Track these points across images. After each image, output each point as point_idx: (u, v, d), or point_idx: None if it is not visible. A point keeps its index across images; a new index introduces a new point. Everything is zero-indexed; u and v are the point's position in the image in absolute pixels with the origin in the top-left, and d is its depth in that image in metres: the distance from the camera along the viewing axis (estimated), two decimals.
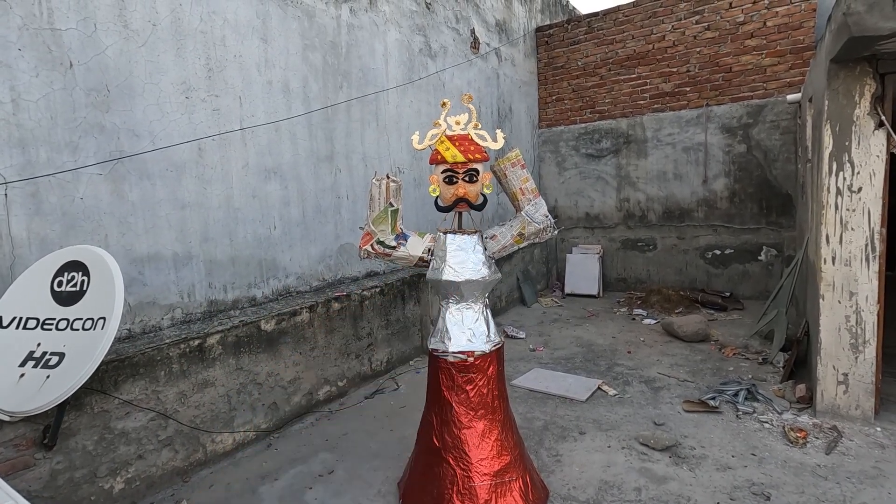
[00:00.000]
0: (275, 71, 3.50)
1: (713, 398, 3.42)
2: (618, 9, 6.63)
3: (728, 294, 6.11)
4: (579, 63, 7.05)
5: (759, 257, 6.05)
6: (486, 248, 2.47)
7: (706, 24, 6.08)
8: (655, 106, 6.53)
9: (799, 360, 3.77)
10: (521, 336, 5.19)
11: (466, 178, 2.36)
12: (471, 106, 2.44)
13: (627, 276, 6.96)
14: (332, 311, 3.77)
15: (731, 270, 6.23)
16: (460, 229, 2.50)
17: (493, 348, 2.42)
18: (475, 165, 2.37)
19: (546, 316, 6.02)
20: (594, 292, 6.82)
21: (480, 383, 2.39)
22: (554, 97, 7.32)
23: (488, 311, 2.52)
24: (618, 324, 5.54)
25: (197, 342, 2.87)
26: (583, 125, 7.10)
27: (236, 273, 3.30)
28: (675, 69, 6.34)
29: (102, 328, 1.97)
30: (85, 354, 1.95)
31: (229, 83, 3.21)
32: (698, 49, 6.15)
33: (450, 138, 2.40)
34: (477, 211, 2.44)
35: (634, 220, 6.86)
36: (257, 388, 3.20)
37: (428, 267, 2.49)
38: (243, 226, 3.34)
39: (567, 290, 7.00)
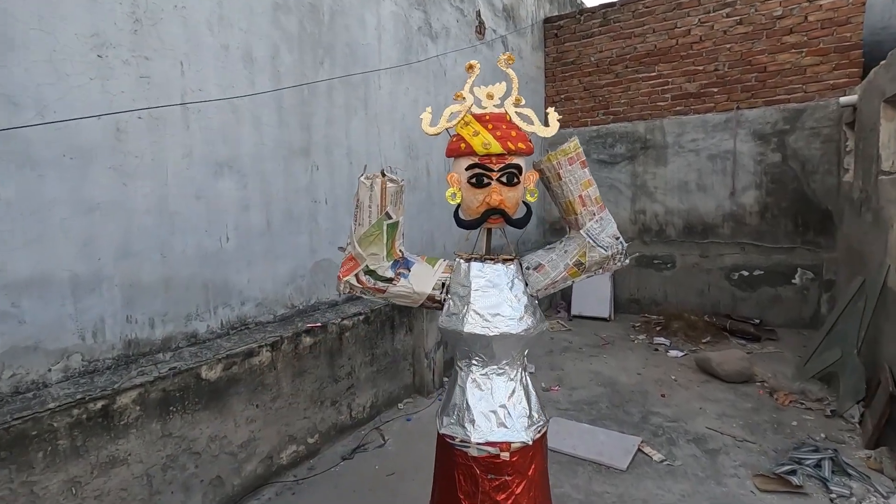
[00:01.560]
0: (233, 32, 2.66)
1: (792, 471, 2.66)
2: None
3: (758, 321, 5.42)
4: (592, 59, 6.35)
5: (793, 280, 5.37)
6: (527, 284, 1.67)
7: (738, 17, 5.42)
8: (678, 108, 5.85)
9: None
10: (531, 370, 4.38)
11: (504, 179, 1.55)
12: (510, 71, 1.65)
13: (641, 297, 6.23)
14: (302, 347, 2.92)
15: (761, 294, 5.54)
16: (490, 255, 1.69)
17: (538, 435, 1.62)
18: (517, 160, 1.57)
19: (554, 343, 5.24)
20: (605, 314, 6.07)
21: (519, 490, 1.58)
22: (563, 96, 6.60)
23: (527, 376, 1.71)
24: (639, 355, 4.78)
25: (101, 404, 2.01)
26: (595, 128, 6.38)
27: (170, 300, 2.43)
28: (701, 67, 5.66)
29: None
30: None
31: (167, 42, 2.36)
32: (728, 45, 5.49)
33: (479, 118, 1.60)
34: (517, 227, 1.64)
35: (651, 235, 6.15)
36: (193, 460, 2.33)
37: (441, 309, 1.68)
38: (182, 236, 2.48)
39: (574, 311, 6.24)
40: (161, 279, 2.39)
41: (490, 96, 1.63)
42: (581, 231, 1.68)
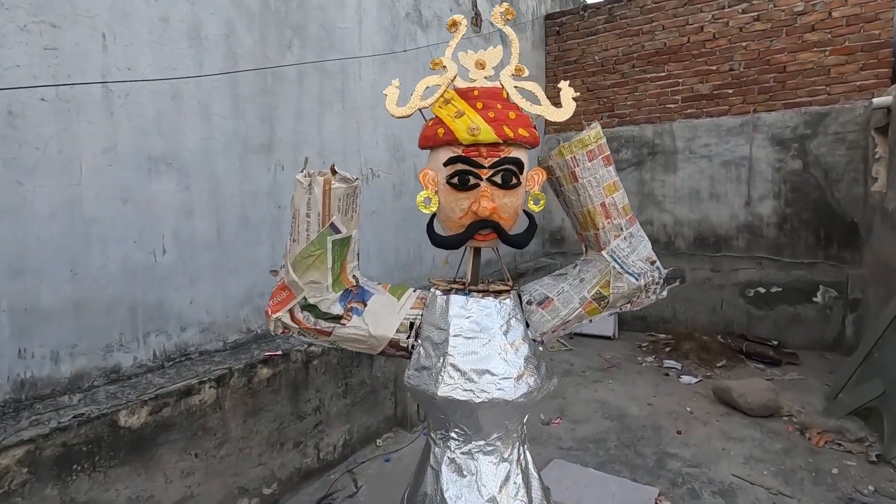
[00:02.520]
0: (175, 2, 2.20)
1: None
2: None
3: (776, 343, 4.96)
4: (596, 58, 5.93)
5: (815, 298, 4.92)
6: (529, 325, 1.21)
7: (755, 13, 5.01)
8: (689, 111, 5.42)
9: None
10: None
11: (498, 180, 1.10)
12: (508, 30, 1.20)
13: (648, 314, 5.77)
14: (258, 381, 2.45)
15: (778, 313, 5.09)
16: (479, 285, 1.23)
17: None
18: (516, 153, 1.12)
19: (554, 365, 4.77)
20: (609, 333, 5.60)
21: None
22: None
23: (527, 452, 1.24)
24: (649, 381, 4.31)
25: None
26: None
27: (82, 328, 1.96)
28: (714, 67, 5.25)
29: None
30: None
31: (82, 8, 1.90)
32: (745, 44, 5.07)
33: (464, 94, 1.15)
34: (515, 247, 1.18)
35: (659, 247, 5.68)
36: None
37: (408, 357, 1.22)
38: (102, 248, 2.00)
39: (575, 329, 5.75)
40: (70, 302, 1.91)
41: (481, 65, 1.18)
42: (604, 252, 1.22)
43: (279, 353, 2.59)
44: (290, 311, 1.18)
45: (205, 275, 2.40)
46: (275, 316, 1.19)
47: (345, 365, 2.99)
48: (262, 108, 2.62)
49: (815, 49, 4.78)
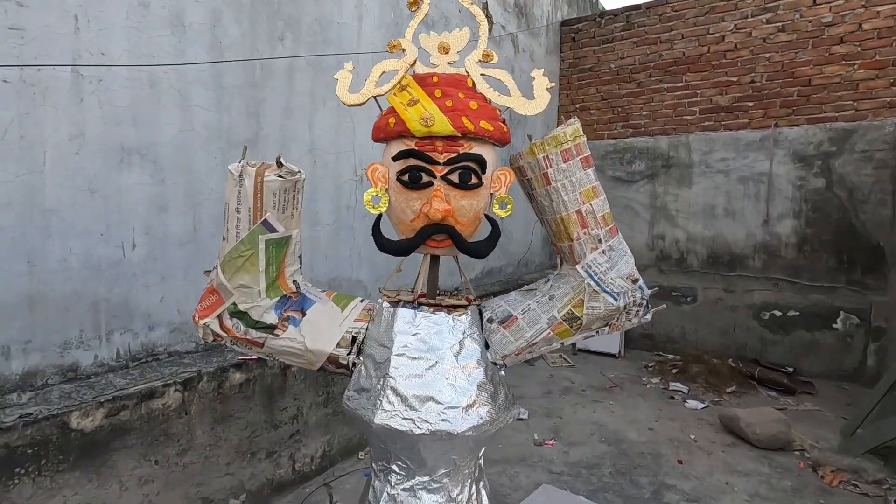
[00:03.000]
0: None
1: None
2: (666, 1, 5.36)
3: (791, 370, 4.69)
4: (612, 66, 5.75)
5: (835, 325, 4.65)
6: (488, 346, 1.05)
7: (780, 24, 4.79)
8: (706, 123, 5.21)
9: None
10: (523, 416, 3.73)
11: (455, 179, 0.95)
12: (475, 9, 1.06)
13: (656, 333, 5.53)
14: (229, 385, 2.33)
15: (795, 338, 4.82)
16: (433, 297, 1.08)
17: None
18: (478, 149, 0.97)
19: (554, 382, 4.57)
20: (614, 351, 5.38)
21: None
22: (578, 105, 6.00)
23: (483, 490, 1.08)
24: (651, 404, 4.09)
25: None
26: (612, 141, 5.76)
27: (38, 323, 1.86)
28: (734, 79, 5.03)
29: None
30: None
31: None
32: (768, 55, 4.86)
33: (421, 80, 1.01)
34: (473, 256, 1.03)
35: (670, 264, 5.47)
36: None
37: (349, 376, 1.07)
38: (62, 241, 1.90)
39: (579, 345, 5.55)
40: (24, 295, 1.81)
41: (444, 49, 1.04)
42: (578, 267, 1.06)
43: (255, 357, 2.46)
44: (219, 318, 1.05)
45: (178, 273, 2.30)
46: (202, 322, 1.06)
47: (326, 374, 2.85)
48: (248, 101, 2.52)
49: (843, 62, 4.55)
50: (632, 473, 3.00)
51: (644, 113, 5.57)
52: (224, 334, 1.06)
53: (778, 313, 4.90)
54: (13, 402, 1.78)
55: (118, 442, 1.94)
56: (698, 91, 5.24)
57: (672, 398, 4.23)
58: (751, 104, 4.97)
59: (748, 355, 4.96)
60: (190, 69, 2.24)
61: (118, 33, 2.00)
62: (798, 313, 4.81)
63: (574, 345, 5.58)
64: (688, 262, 5.37)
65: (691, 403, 4.09)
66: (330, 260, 3.12)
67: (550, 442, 3.38)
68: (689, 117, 5.31)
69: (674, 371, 4.78)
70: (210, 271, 1.11)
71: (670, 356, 5.21)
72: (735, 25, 5.01)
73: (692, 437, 3.50)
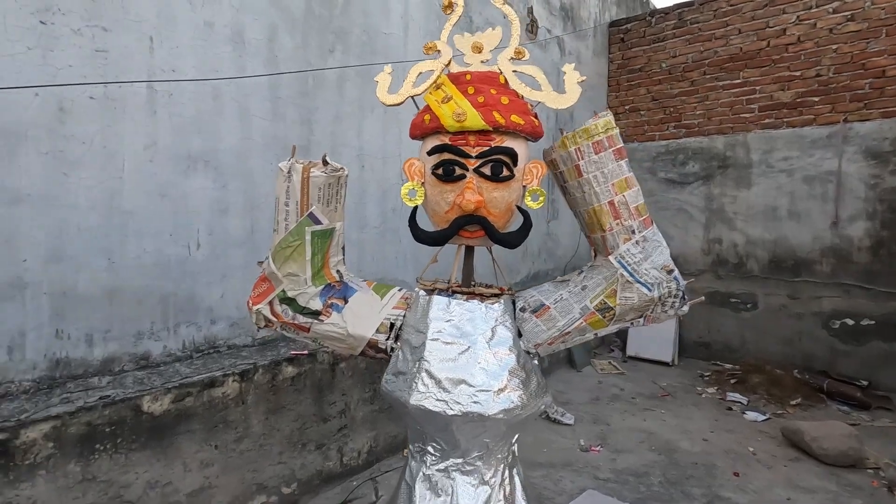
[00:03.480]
0: (220, 8, 2.30)
1: None
2: None
3: (866, 383, 4.34)
4: (663, 65, 5.60)
5: None
6: (521, 335, 1.08)
7: (848, 13, 4.50)
8: (767, 121, 4.96)
9: None
10: (569, 422, 3.67)
11: (487, 171, 1.00)
12: (507, 9, 1.10)
13: (713, 342, 5.28)
14: (282, 379, 2.46)
15: (870, 349, 4.46)
16: (467, 286, 1.13)
17: None
18: (510, 143, 1.01)
19: (602, 389, 4.47)
20: (667, 358, 5.18)
21: None
22: (627, 107, 5.87)
23: (516, 476, 1.11)
24: (707, 414, 3.91)
25: None
26: (663, 143, 5.59)
27: (116, 314, 2.05)
28: (798, 73, 4.77)
29: None
30: None
31: (132, 13, 2.03)
32: (835, 46, 4.57)
33: (455, 79, 1.06)
34: (505, 246, 1.06)
35: (727, 269, 5.22)
36: None
37: (387, 360, 1.13)
38: (138, 240, 2.10)
39: (630, 352, 5.40)
40: (105, 288, 2.01)
41: (477, 48, 1.09)
42: (611, 257, 1.07)
43: (306, 352, 2.60)
44: (270, 304, 1.14)
45: (237, 272, 2.46)
46: (255, 308, 1.16)
47: (373, 370, 2.95)
48: (301, 110, 2.68)
49: None
50: (683, 484, 2.89)
51: (698, 112, 5.37)
52: (274, 319, 1.15)
53: (850, 322, 4.55)
54: (95, 385, 1.98)
55: (183, 426, 2.10)
56: (757, 87, 5.00)
57: (730, 409, 4.03)
58: (816, 99, 4.68)
59: (815, 366, 4.64)
60: (248, 81, 2.41)
61: (186, 51, 2.20)
62: (873, 322, 4.45)
63: (624, 352, 5.43)
64: (747, 266, 5.10)
65: (751, 415, 3.88)
66: (377, 261, 3.23)
67: (597, 448, 3.31)
68: (747, 115, 5.07)
69: (732, 381, 4.55)
70: (263, 262, 1.21)
71: (728, 365, 4.96)
72: (798, 17, 4.75)
73: (751, 449, 3.31)
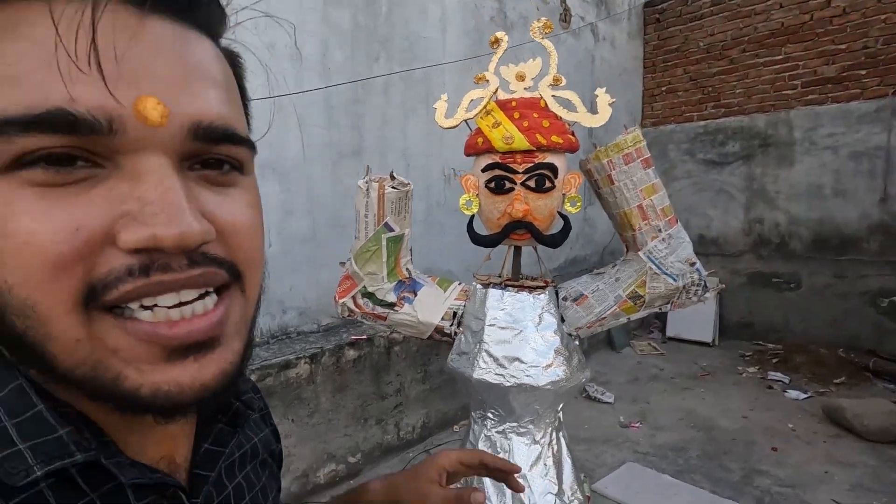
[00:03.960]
0: (280, 31, 2.55)
1: None
2: None
3: None
4: (701, 44, 5.52)
5: None
6: (564, 320, 1.28)
7: None
8: (810, 97, 4.86)
9: None
10: (608, 400, 3.85)
11: (532, 184, 1.19)
12: (547, 42, 1.27)
13: (755, 322, 5.29)
14: (345, 361, 2.75)
15: None
16: (517, 280, 1.33)
17: None
18: (551, 159, 1.20)
19: (641, 369, 4.60)
20: (707, 339, 5.23)
21: None
22: (664, 88, 5.84)
23: (562, 438, 1.32)
24: (746, 393, 3.99)
25: None
26: (702, 123, 5.55)
27: None
28: (843, 46, 4.64)
29: None
30: None
31: None
32: (883, 16, 4.42)
33: (503, 105, 1.25)
34: (548, 246, 1.26)
35: (769, 249, 5.19)
36: None
37: (452, 343, 1.36)
38: None
39: (669, 333, 5.47)
40: None
41: (521, 77, 1.28)
42: (640, 253, 1.26)
43: (364, 337, 2.87)
44: (353, 298, 1.38)
45: (302, 266, 2.75)
46: (341, 301, 1.40)
47: (423, 353, 3.21)
48: (352, 117, 2.92)
49: None
50: (721, 458, 3.02)
51: (737, 91, 5.30)
52: (356, 310, 1.39)
53: None
54: None
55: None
56: (800, 63, 4.89)
57: (770, 388, 4.09)
58: (863, 73, 4.55)
59: (862, 345, 4.59)
60: (306, 94, 2.66)
61: (253, 71, 2.45)
62: None
63: (664, 333, 5.51)
64: (790, 246, 5.06)
65: (792, 393, 3.93)
66: (422, 254, 3.46)
67: (636, 424, 3.47)
68: (789, 92, 4.97)
69: (774, 361, 4.58)
70: (344, 263, 1.45)
71: (770, 345, 4.97)
72: None
73: (790, 426, 3.40)
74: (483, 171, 1.23)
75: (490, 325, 1.23)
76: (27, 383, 0.30)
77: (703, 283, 1.25)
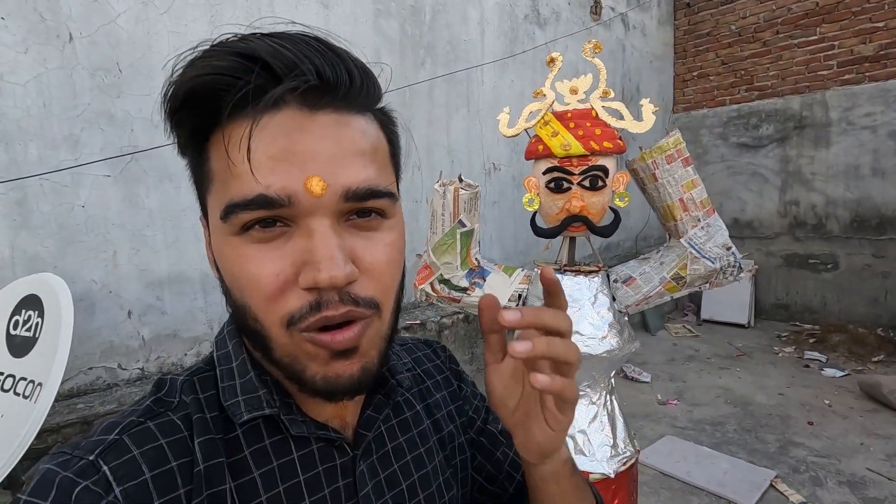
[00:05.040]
0: (338, 42, 2.79)
1: None
2: None
3: None
4: (733, 27, 5.53)
5: None
6: (615, 299, 1.49)
7: None
8: (846, 77, 4.84)
9: None
10: (646, 380, 4.02)
11: (587, 184, 1.40)
12: (597, 61, 1.47)
13: (791, 303, 5.34)
14: None
15: None
16: (573, 265, 1.55)
17: (622, 468, 1.45)
18: (603, 161, 1.40)
19: (677, 351, 4.74)
20: (743, 321, 5.32)
21: None
22: (695, 73, 5.87)
23: (614, 400, 1.54)
24: (783, 372, 4.10)
25: None
26: (734, 107, 5.57)
27: None
28: (881, 24, 4.60)
29: (35, 400, 1.37)
30: (13, 434, 1.36)
31: None
32: None
33: (559, 116, 1.46)
34: (602, 236, 1.47)
35: (805, 230, 5.21)
36: None
37: None
38: None
39: (704, 315, 5.57)
40: None
41: (574, 91, 1.48)
42: (682, 240, 1.45)
43: (417, 322, 3.14)
44: (431, 284, 1.62)
45: None
46: (420, 287, 1.64)
47: (471, 336, 3.45)
48: (402, 118, 3.12)
49: None
50: (757, 431, 3.18)
51: (771, 73, 5.30)
52: (434, 294, 1.63)
53: None
54: None
55: None
56: (836, 43, 4.87)
57: (807, 366, 4.18)
58: None
59: None
60: None
61: None
62: None
63: (698, 316, 5.61)
64: (827, 227, 5.07)
65: (829, 371, 4.02)
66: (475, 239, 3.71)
67: (673, 402, 3.65)
68: (825, 72, 4.96)
69: (811, 341, 4.65)
70: (421, 254, 1.69)
71: (807, 326, 5.03)
72: None
73: (826, 402, 3.51)
74: (543, 173, 1.44)
75: None
76: (248, 358, 0.46)
77: (737, 264, 1.44)
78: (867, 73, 4.72)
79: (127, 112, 2.10)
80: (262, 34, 0.39)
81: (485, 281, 1.59)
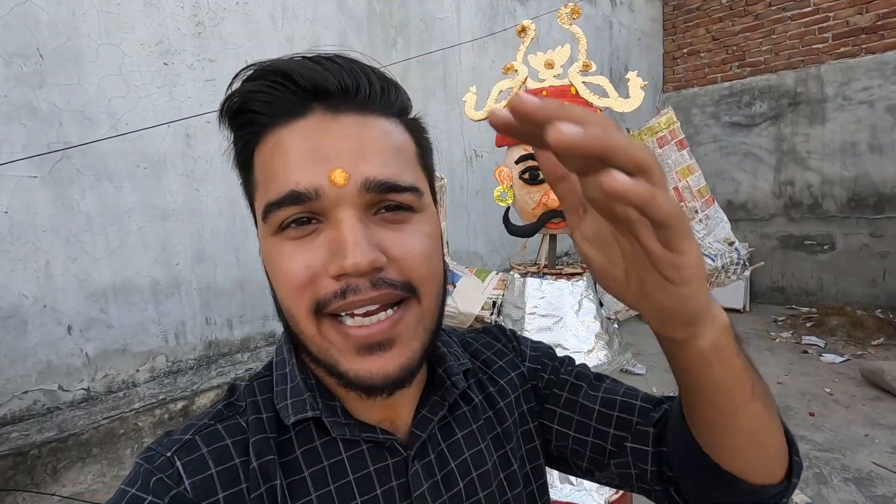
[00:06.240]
0: (297, 24, 2.56)
1: None
2: None
3: None
4: (724, 1, 5.30)
5: None
6: (602, 304, 1.30)
7: None
8: (842, 49, 4.64)
9: None
10: (640, 372, 3.87)
11: None
12: (575, 28, 1.26)
13: (787, 286, 5.20)
14: None
15: None
16: (553, 268, 1.35)
17: (616, 496, 1.27)
18: None
19: None
20: (738, 305, 5.18)
21: None
22: (685, 50, 5.65)
23: None
24: (782, 359, 3.96)
25: (181, 404, 2.08)
26: (726, 84, 5.37)
27: (246, 302, 2.46)
28: None
29: None
30: None
31: (229, 42, 2.32)
32: None
33: (533, 94, 1.25)
34: None
35: (801, 211, 5.05)
36: None
37: None
38: (255, 239, 2.47)
39: None
40: (236, 282, 2.42)
41: (550, 65, 1.27)
42: None
43: None
44: None
45: None
46: None
47: None
48: None
49: None
50: None
51: (764, 48, 5.09)
52: None
53: None
54: (239, 360, 2.42)
55: None
56: (830, 14, 4.66)
57: (805, 352, 4.04)
58: None
59: None
60: None
61: None
62: None
63: None
64: (823, 207, 4.92)
65: (828, 357, 3.89)
66: (448, 235, 3.50)
67: (671, 394, 3.49)
68: (819, 46, 4.76)
69: (808, 325, 4.52)
70: None
71: (804, 309, 4.90)
72: None
73: (827, 390, 3.38)
74: (516, 162, 1.24)
75: (530, 314, 1.26)
76: (297, 362, 0.47)
77: (741, 261, 1.26)
78: (864, 46, 4.53)
79: (52, 104, 1.86)
80: (293, 56, 0.44)
81: (455, 287, 1.39)
